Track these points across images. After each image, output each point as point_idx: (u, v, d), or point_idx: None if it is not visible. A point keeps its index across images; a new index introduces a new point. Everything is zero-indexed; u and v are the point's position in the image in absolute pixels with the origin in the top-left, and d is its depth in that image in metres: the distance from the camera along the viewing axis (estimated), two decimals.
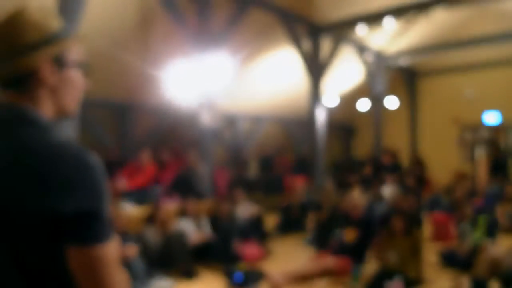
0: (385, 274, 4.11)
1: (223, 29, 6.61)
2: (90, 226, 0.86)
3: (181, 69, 6.63)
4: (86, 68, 1.03)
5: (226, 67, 6.77)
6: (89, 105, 7.43)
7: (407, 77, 13.00)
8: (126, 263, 4.17)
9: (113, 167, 7.27)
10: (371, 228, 4.88)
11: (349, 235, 4.94)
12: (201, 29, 6.49)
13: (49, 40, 0.93)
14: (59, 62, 0.96)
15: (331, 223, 5.81)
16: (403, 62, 11.94)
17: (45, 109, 0.96)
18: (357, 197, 5.16)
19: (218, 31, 6.59)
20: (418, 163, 10.20)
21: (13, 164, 0.87)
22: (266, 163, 9.46)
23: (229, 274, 3.57)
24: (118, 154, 7.71)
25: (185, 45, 6.49)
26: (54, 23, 0.96)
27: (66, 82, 0.99)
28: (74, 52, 1.00)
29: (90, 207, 0.86)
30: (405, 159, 11.30)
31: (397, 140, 12.85)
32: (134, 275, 4.11)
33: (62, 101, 0.99)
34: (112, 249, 0.89)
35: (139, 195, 5.89)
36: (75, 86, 1.02)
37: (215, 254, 5.09)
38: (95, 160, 0.91)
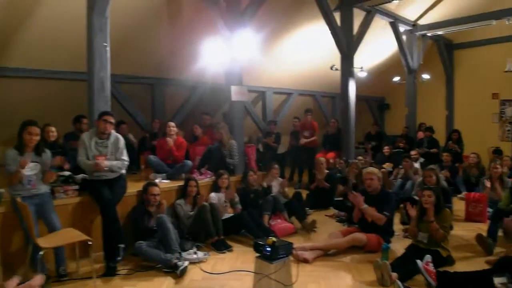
0: (415, 252, 4.07)
1: (251, 4, 6.52)
2: None
3: (211, 45, 6.62)
4: None
5: (255, 42, 6.70)
6: (121, 81, 7.62)
7: (443, 48, 12.49)
8: (163, 234, 4.33)
9: (153, 139, 7.45)
10: (392, 205, 4.84)
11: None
12: (230, 4, 6.43)
13: None
14: None
15: None
16: (439, 33, 11.44)
17: None
18: (371, 172, 4.98)
19: (247, 6, 6.51)
20: (454, 139, 9.89)
21: None
22: (296, 137, 9.40)
23: (258, 247, 3.63)
24: (160, 127, 7.80)
25: (214, 21, 6.45)
26: None
27: None
28: None
29: None
30: (440, 135, 10.99)
31: (432, 114, 12.50)
32: (168, 247, 4.27)
33: None
34: None
35: (171, 169, 6.02)
36: None
37: (245, 227, 5.20)
38: None
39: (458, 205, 6.40)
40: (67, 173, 4.69)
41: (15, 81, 6.59)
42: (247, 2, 6.55)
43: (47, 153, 4.11)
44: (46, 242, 3.63)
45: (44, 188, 4.09)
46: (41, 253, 3.54)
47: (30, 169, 3.91)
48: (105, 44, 4.87)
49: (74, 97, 6.56)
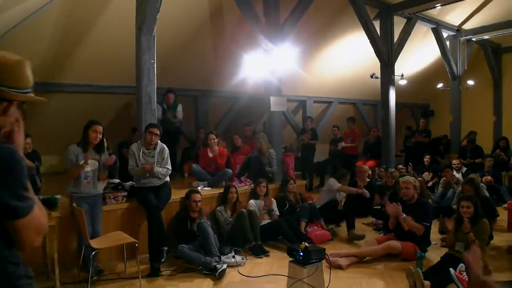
0: (451, 261, 4.07)
1: (290, 16, 6.72)
2: (19, 206, 1.17)
3: (251, 58, 6.87)
4: (24, 114, 1.37)
5: (294, 54, 6.88)
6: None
7: (490, 53, 12.08)
8: (204, 238, 4.61)
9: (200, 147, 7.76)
10: (430, 215, 4.85)
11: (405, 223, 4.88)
12: (269, 19, 6.66)
13: (29, 91, 1.36)
14: (21, 105, 1.36)
15: None
16: (485, 37, 11.10)
17: None
18: (407, 181, 5.02)
19: (286, 19, 6.71)
20: (502, 146, 9.56)
21: None
22: (336, 145, 9.45)
23: (291, 252, 3.79)
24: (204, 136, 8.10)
25: (255, 36, 6.70)
26: (32, 82, 1.37)
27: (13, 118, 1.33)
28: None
29: (17, 191, 1.17)
30: (487, 142, 10.64)
31: (478, 120, 12.10)
32: (208, 251, 4.54)
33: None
34: (34, 216, 1.22)
35: (212, 177, 6.30)
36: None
37: (283, 234, 5.38)
38: (12, 150, 1.22)
39: (502, 215, 6.25)
40: (117, 180, 5.10)
41: (72, 96, 7.18)
42: (285, 16, 6.75)
43: (106, 154, 4.48)
44: (97, 243, 3.98)
45: (99, 188, 4.46)
46: (93, 253, 3.90)
47: (89, 166, 4.29)
48: (152, 61, 5.26)
49: (124, 109, 7.05)
